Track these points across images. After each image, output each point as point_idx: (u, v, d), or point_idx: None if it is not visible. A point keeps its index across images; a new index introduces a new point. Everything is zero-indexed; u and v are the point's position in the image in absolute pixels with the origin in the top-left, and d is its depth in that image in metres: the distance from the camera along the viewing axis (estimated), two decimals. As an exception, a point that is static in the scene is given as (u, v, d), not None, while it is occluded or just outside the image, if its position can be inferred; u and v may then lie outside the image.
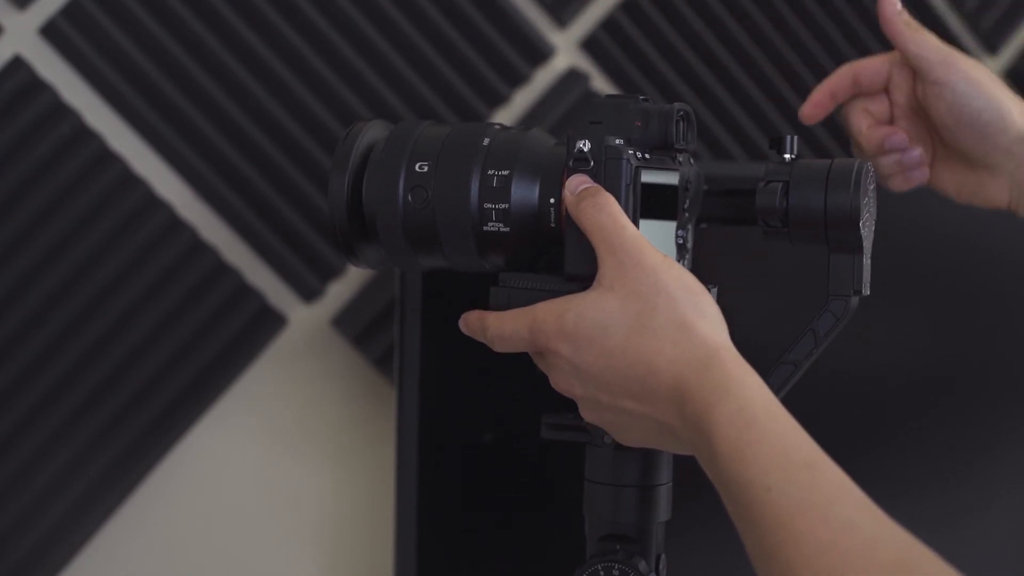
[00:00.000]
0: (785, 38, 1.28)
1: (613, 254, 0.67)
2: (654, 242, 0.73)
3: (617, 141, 0.70)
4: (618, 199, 0.70)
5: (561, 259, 0.72)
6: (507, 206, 0.73)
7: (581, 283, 0.72)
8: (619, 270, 0.67)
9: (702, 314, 0.67)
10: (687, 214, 0.78)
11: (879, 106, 0.88)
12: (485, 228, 0.73)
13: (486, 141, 0.74)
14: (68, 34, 1.00)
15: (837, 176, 0.73)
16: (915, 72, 0.85)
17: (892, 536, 0.57)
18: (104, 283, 1.01)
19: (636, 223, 0.71)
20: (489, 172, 0.73)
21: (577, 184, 0.70)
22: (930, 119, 0.84)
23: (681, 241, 0.77)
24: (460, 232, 0.74)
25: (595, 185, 0.70)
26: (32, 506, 1.00)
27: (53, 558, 1.01)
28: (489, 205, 0.73)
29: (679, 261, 0.78)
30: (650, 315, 0.66)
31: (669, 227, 0.76)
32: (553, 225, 0.73)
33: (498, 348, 0.72)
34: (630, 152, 0.70)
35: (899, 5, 0.84)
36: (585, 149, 0.71)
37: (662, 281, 0.66)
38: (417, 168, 0.74)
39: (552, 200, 0.73)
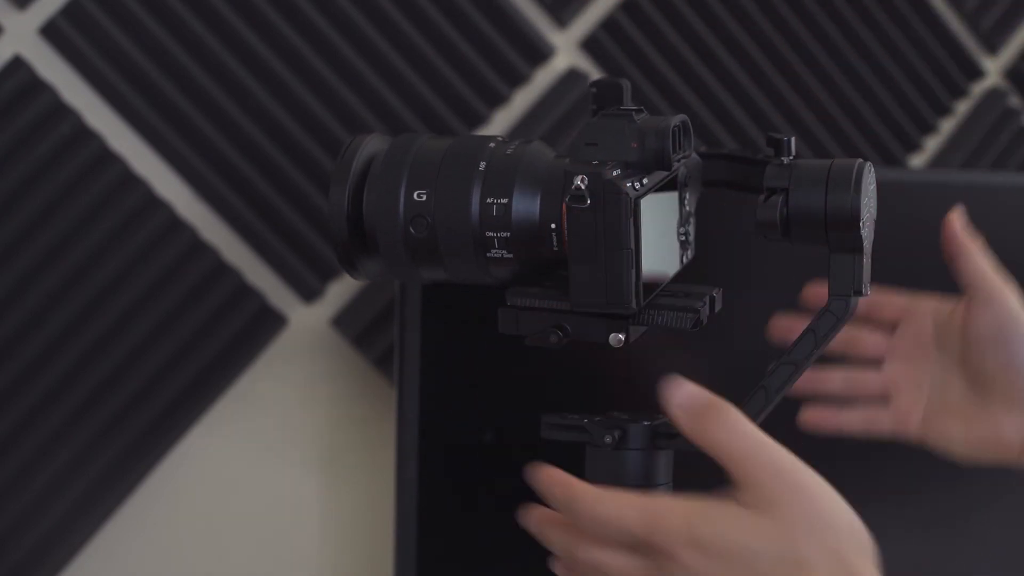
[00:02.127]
0: (785, 38, 1.28)
1: (766, 473, 0.63)
2: (658, 212, 0.72)
3: (615, 172, 0.69)
4: (618, 232, 0.69)
5: (566, 277, 0.72)
6: (508, 234, 0.72)
7: (596, 317, 0.71)
8: (776, 493, 0.62)
9: (864, 552, 0.63)
10: (687, 207, 0.77)
11: (871, 338, 0.89)
12: (488, 255, 0.73)
13: (482, 165, 0.73)
14: (68, 34, 1.00)
15: (837, 176, 0.73)
16: (966, 287, 0.84)
17: None
18: (104, 283, 1.01)
19: (638, 249, 0.70)
20: (488, 200, 0.72)
21: (685, 399, 0.66)
22: (964, 335, 0.83)
23: (684, 237, 0.77)
24: (463, 257, 0.73)
25: (707, 397, 0.66)
26: (32, 506, 1.00)
27: (53, 558, 1.01)
28: (491, 233, 0.72)
29: (681, 256, 0.77)
30: (809, 548, 0.61)
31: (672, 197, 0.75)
32: (556, 248, 0.72)
33: (586, 528, 0.66)
34: (628, 184, 0.69)
35: (963, 222, 0.85)
36: (583, 187, 0.69)
37: (827, 514, 0.62)
38: (416, 197, 0.73)
39: (553, 226, 0.72)
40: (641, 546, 0.64)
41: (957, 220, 0.85)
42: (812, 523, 0.62)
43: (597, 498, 0.66)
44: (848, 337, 0.89)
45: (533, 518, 0.71)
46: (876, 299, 0.89)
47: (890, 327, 0.89)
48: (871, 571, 0.62)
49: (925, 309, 0.87)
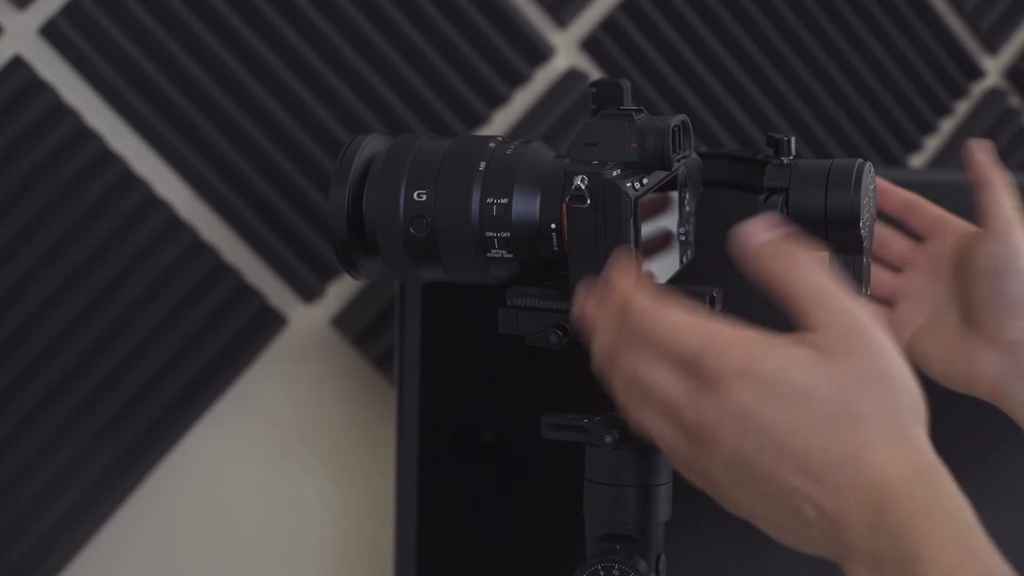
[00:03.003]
0: (785, 38, 1.28)
1: (838, 319, 0.60)
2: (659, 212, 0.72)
3: (615, 172, 0.69)
4: (618, 233, 0.69)
5: (566, 277, 0.72)
6: (508, 234, 0.72)
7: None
8: (845, 341, 0.60)
9: (918, 417, 0.61)
10: (687, 207, 0.78)
11: (900, 244, 0.90)
12: (488, 255, 0.73)
13: (482, 165, 0.73)
14: (68, 34, 1.00)
15: (837, 176, 0.73)
16: (980, 218, 0.84)
17: None
18: (104, 283, 1.01)
19: (638, 248, 0.70)
20: (488, 200, 0.72)
21: (760, 231, 0.63)
22: (966, 263, 0.84)
23: (683, 237, 0.77)
24: (463, 257, 0.73)
25: (784, 235, 0.63)
26: (32, 506, 1.00)
27: (53, 558, 1.01)
28: (491, 233, 0.72)
29: (681, 257, 0.78)
30: (867, 403, 0.59)
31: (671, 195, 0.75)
32: (556, 248, 0.72)
33: (640, 338, 0.62)
34: (628, 184, 0.69)
35: (990, 154, 0.85)
36: (583, 186, 0.69)
37: (890, 370, 0.60)
38: (416, 197, 0.73)
39: (553, 226, 0.72)
40: (691, 368, 0.60)
41: (982, 150, 0.84)
42: (876, 378, 0.59)
43: (657, 311, 0.62)
44: (881, 236, 0.89)
45: (581, 305, 0.67)
46: (918, 204, 0.89)
47: (919, 237, 0.89)
48: (922, 437, 0.60)
49: (953, 230, 0.87)
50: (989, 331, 0.83)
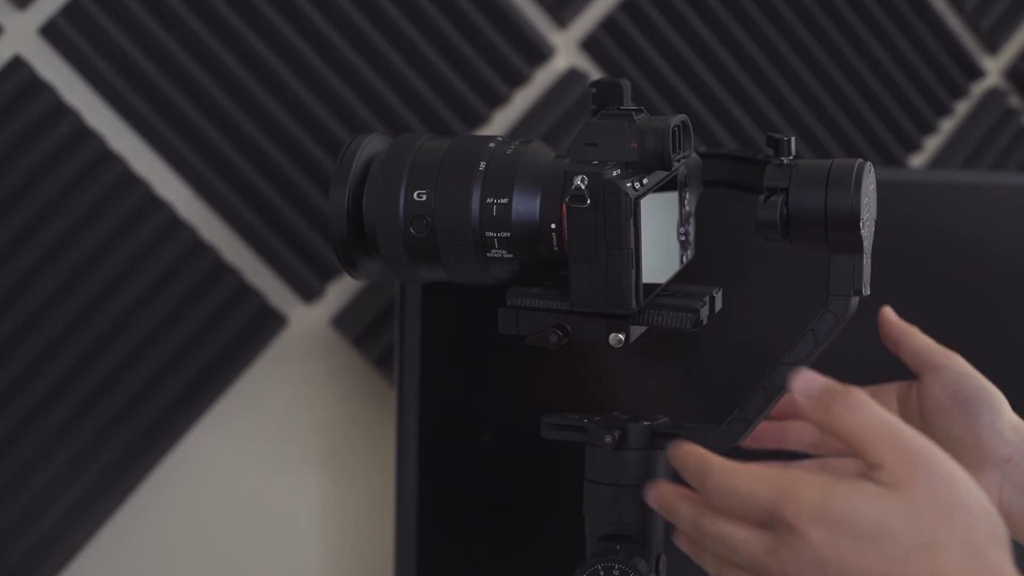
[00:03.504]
0: (785, 38, 1.28)
1: (900, 452, 0.62)
2: (658, 212, 0.72)
3: (615, 172, 0.69)
4: (618, 232, 0.69)
5: (566, 277, 0.72)
6: (508, 234, 0.72)
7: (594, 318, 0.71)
8: (910, 473, 0.61)
9: (998, 541, 0.61)
10: (687, 207, 0.78)
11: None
12: (488, 255, 0.73)
13: (482, 165, 0.73)
14: (68, 34, 1.00)
15: (837, 176, 0.73)
16: (914, 366, 0.85)
17: None
18: (104, 283, 1.01)
19: (638, 249, 0.70)
20: (488, 200, 0.72)
21: (808, 387, 0.66)
22: (923, 408, 0.84)
23: (683, 237, 0.77)
24: (463, 257, 0.74)
25: (830, 383, 0.66)
26: (32, 506, 1.00)
27: (53, 558, 1.01)
28: (491, 233, 0.72)
29: (681, 256, 0.78)
30: (942, 531, 0.60)
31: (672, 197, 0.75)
32: (556, 248, 0.72)
33: (717, 501, 0.66)
34: (628, 184, 0.69)
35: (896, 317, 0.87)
36: (583, 186, 0.69)
37: (962, 497, 0.61)
38: (416, 197, 0.73)
39: (553, 226, 0.72)
40: (769, 521, 0.63)
41: (890, 312, 0.87)
42: (946, 506, 0.61)
43: (730, 470, 0.65)
44: (821, 432, 0.89)
45: (659, 493, 0.70)
46: None
47: None
48: (1004, 559, 0.61)
49: (889, 393, 0.88)
50: (977, 456, 0.81)
